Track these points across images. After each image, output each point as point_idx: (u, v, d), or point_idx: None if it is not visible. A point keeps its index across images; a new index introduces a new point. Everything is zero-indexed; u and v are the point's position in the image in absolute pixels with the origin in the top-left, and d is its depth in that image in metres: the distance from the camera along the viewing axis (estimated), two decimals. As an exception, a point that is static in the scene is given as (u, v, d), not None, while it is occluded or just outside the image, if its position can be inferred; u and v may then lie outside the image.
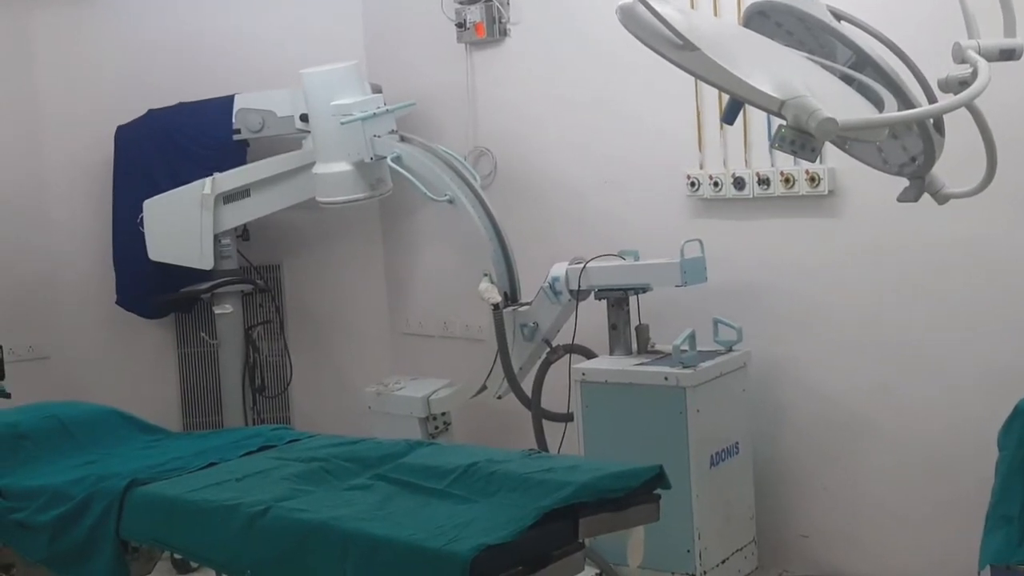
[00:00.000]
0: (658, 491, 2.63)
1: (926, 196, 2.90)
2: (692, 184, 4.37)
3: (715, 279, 4.14)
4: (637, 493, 2.52)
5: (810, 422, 4.21)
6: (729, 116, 2.63)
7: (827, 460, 4.19)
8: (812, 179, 4.03)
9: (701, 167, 4.34)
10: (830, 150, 3.56)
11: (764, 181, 4.17)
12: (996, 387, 3.48)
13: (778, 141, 2.38)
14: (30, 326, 5.43)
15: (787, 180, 4.10)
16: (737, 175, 4.22)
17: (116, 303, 5.45)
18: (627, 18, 2.53)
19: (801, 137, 2.34)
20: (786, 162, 4.09)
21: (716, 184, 4.29)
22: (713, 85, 2.41)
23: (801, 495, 4.26)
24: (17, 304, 5.38)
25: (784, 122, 2.35)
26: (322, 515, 2.35)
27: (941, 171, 2.86)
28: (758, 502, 4.20)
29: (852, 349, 4.07)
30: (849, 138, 2.69)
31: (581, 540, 2.37)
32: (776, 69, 2.52)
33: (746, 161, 4.21)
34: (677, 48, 2.41)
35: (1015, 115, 3.53)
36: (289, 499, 2.49)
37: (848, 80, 2.80)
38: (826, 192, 4.03)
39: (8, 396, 4.52)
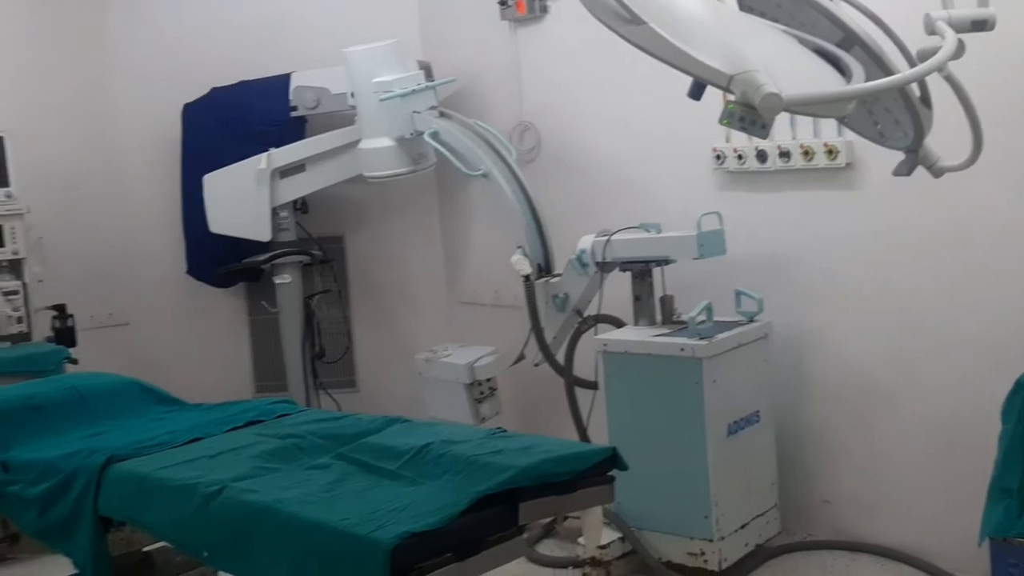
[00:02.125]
0: (613, 472, 2.52)
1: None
2: (718, 157, 4.25)
3: (740, 251, 4.03)
4: (586, 476, 2.41)
5: (832, 391, 4.09)
6: (694, 92, 2.51)
7: (849, 428, 4.07)
8: (830, 152, 3.89)
9: (727, 140, 4.20)
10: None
11: (785, 154, 4.03)
12: (1015, 358, 3.29)
13: (726, 117, 2.28)
14: (110, 294, 5.61)
15: (806, 153, 3.96)
16: (760, 148, 4.08)
17: (187, 273, 5.59)
18: (586, -5, 2.46)
19: (750, 113, 2.24)
20: (806, 134, 3.96)
21: (740, 157, 4.17)
22: (662, 61, 2.31)
23: (824, 462, 4.15)
24: (98, 273, 5.54)
25: (733, 97, 2.25)
26: (268, 497, 2.31)
27: (949, 145, 2.72)
28: (781, 469, 4.10)
29: (872, 320, 3.93)
30: (804, 113, 2.55)
31: (522, 525, 2.27)
32: (735, 44, 2.40)
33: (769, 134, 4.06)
34: (626, 22, 2.33)
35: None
36: (247, 479, 2.45)
37: (826, 55, 2.66)
38: (843, 164, 3.89)
39: (75, 362, 4.70)
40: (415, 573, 2.05)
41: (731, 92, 2.24)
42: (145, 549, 3.13)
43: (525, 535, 2.35)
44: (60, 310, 4.84)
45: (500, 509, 2.24)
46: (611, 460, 2.49)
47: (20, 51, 5.33)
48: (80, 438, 2.99)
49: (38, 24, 5.44)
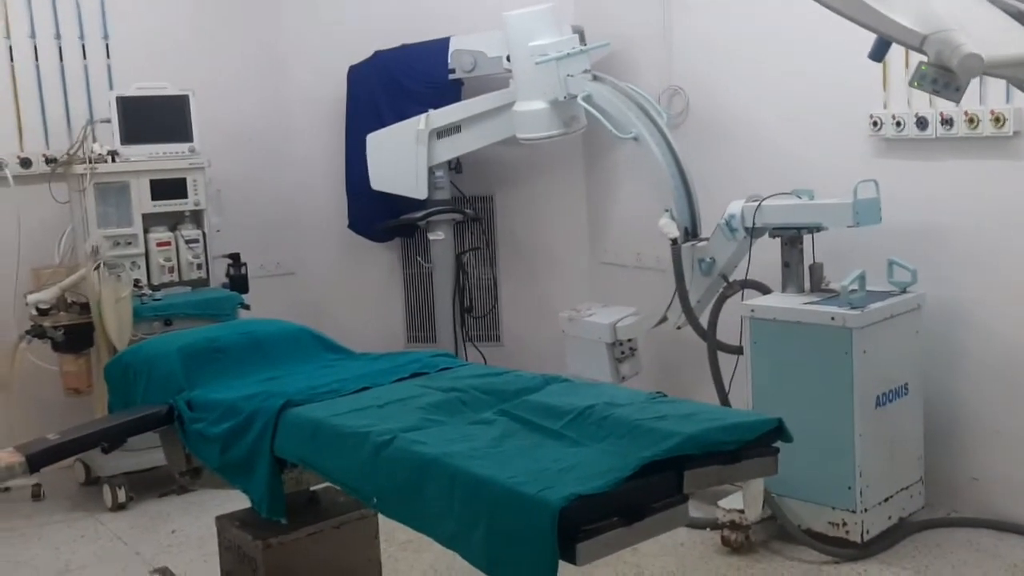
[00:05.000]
0: (778, 444, 2.31)
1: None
2: (875, 124, 3.94)
3: (895, 220, 3.72)
4: (752, 446, 2.23)
5: (987, 366, 3.76)
6: (876, 53, 2.26)
7: (1002, 404, 3.74)
8: (997, 120, 3.55)
9: (885, 106, 3.90)
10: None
11: (947, 121, 3.70)
12: None
13: (917, 79, 2.04)
14: (278, 245, 5.64)
15: (971, 120, 3.62)
16: (920, 115, 3.76)
17: (348, 227, 5.57)
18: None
19: (943, 75, 2.00)
20: (971, 102, 3.60)
21: (899, 124, 3.85)
22: (850, 19, 2.08)
23: (973, 438, 3.84)
24: (268, 226, 5.57)
25: (925, 59, 2.00)
26: (438, 449, 2.23)
27: None
28: (928, 443, 3.81)
29: (1035, 296, 3.58)
30: (1002, 76, 2.27)
31: (686, 493, 2.12)
32: (926, 2, 2.14)
33: (930, 100, 3.72)
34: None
35: None
36: (416, 430, 2.37)
37: (1014, 14, 2.36)
38: (1011, 133, 3.54)
39: (248, 308, 4.74)
40: (582, 535, 1.93)
41: (923, 52, 1.99)
42: (312, 488, 3.11)
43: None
44: (235, 259, 4.87)
45: (665, 476, 2.09)
46: (776, 431, 2.28)
47: (203, 17, 5.37)
48: (257, 381, 2.96)
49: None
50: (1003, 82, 3.40)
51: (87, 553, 4.01)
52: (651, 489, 2.05)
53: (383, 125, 5.13)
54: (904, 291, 3.70)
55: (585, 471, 2.03)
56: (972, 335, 3.79)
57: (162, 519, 4.32)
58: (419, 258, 5.51)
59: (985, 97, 3.61)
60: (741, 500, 3.63)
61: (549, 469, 2.05)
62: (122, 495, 4.42)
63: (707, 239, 4.13)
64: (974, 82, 3.42)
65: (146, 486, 4.53)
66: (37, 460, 2.79)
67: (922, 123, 3.78)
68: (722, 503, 3.70)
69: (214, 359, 3.11)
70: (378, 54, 5.32)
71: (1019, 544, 3.61)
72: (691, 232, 4.21)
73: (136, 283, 4.50)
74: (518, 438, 2.31)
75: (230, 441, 2.76)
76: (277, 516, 2.76)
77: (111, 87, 4.95)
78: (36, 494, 4.57)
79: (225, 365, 3.08)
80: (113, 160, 4.57)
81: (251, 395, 2.80)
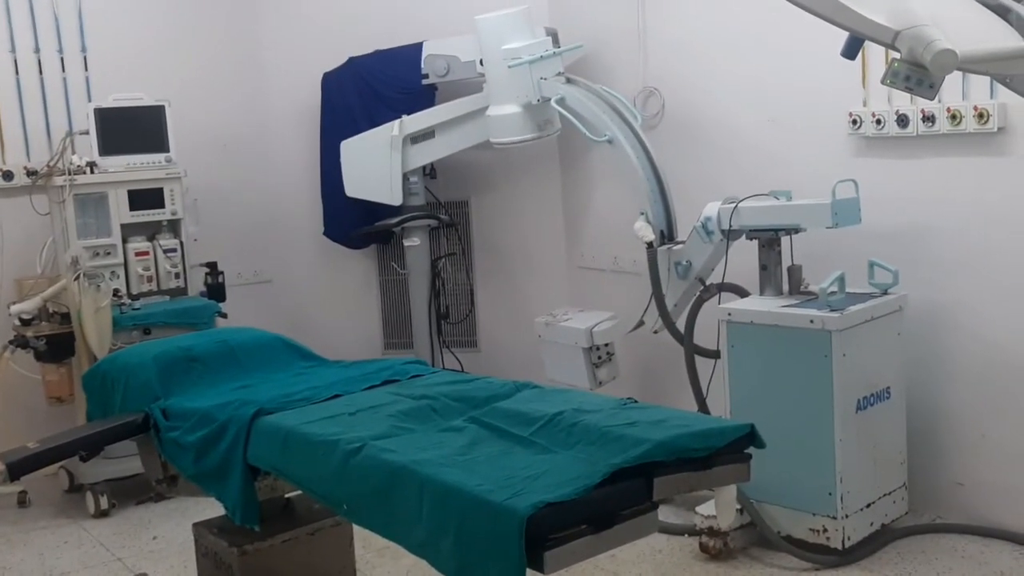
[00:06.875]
0: (750, 450, 2.28)
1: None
2: (854, 122, 3.90)
3: (876, 220, 3.69)
4: (723, 452, 2.19)
5: (971, 369, 3.71)
6: (848, 50, 2.21)
7: (987, 408, 3.69)
8: (981, 116, 3.50)
9: (864, 104, 3.85)
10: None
11: (929, 118, 3.65)
12: None
13: (890, 77, 1.99)
14: (256, 253, 5.61)
15: (954, 117, 3.57)
16: (901, 112, 3.72)
17: (323, 234, 5.52)
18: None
19: (917, 72, 1.95)
20: (954, 98, 3.56)
21: (879, 122, 3.81)
22: (822, 17, 2.02)
23: (958, 442, 3.78)
24: (246, 233, 5.54)
25: (898, 55, 1.96)
26: (407, 457, 2.21)
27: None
28: (911, 448, 3.76)
29: (1019, 295, 3.53)
30: (976, 72, 2.23)
31: (655, 500, 2.08)
32: (901, -2, 2.10)
33: (911, 97, 3.68)
34: (782, -24, 2.05)
35: None
36: (385, 437, 2.35)
37: (1003, 12, 2.32)
38: (995, 129, 3.49)
39: (225, 316, 4.74)
40: (550, 543, 1.91)
41: (896, 49, 1.94)
42: (287, 495, 3.12)
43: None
44: (212, 267, 4.88)
45: (634, 483, 2.05)
46: (748, 437, 2.24)
47: (179, 27, 5.35)
48: (231, 389, 2.97)
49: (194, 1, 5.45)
50: (987, 77, 3.36)
51: (71, 559, 4.04)
52: (620, 496, 2.02)
53: (358, 131, 5.10)
54: (885, 293, 3.65)
55: (553, 478, 2.00)
56: (956, 337, 3.74)
57: (144, 525, 4.34)
58: (394, 264, 5.47)
59: (968, 93, 3.56)
60: (716, 507, 3.59)
61: (517, 476, 2.02)
62: (104, 502, 4.45)
63: (683, 242, 4.09)
64: (956, 77, 3.43)
65: (128, 493, 4.56)
66: (17, 468, 2.86)
67: (903, 121, 3.73)
68: (700, 509, 3.65)
69: (189, 368, 3.13)
70: (352, 60, 5.29)
71: (1005, 551, 3.55)
72: (667, 235, 4.17)
73: (115, 293, 4.52)
74: (487, 445, 2.28)
75: (204, 449, 2.77)
76: (251, 523, 2.78)
77: (89, 99, 4.95)
78: (22, 501, 4.64)
79: (200, 374, 3.11)
80: (91, 171, 4.59)
81: (224, 403, 2.81)
